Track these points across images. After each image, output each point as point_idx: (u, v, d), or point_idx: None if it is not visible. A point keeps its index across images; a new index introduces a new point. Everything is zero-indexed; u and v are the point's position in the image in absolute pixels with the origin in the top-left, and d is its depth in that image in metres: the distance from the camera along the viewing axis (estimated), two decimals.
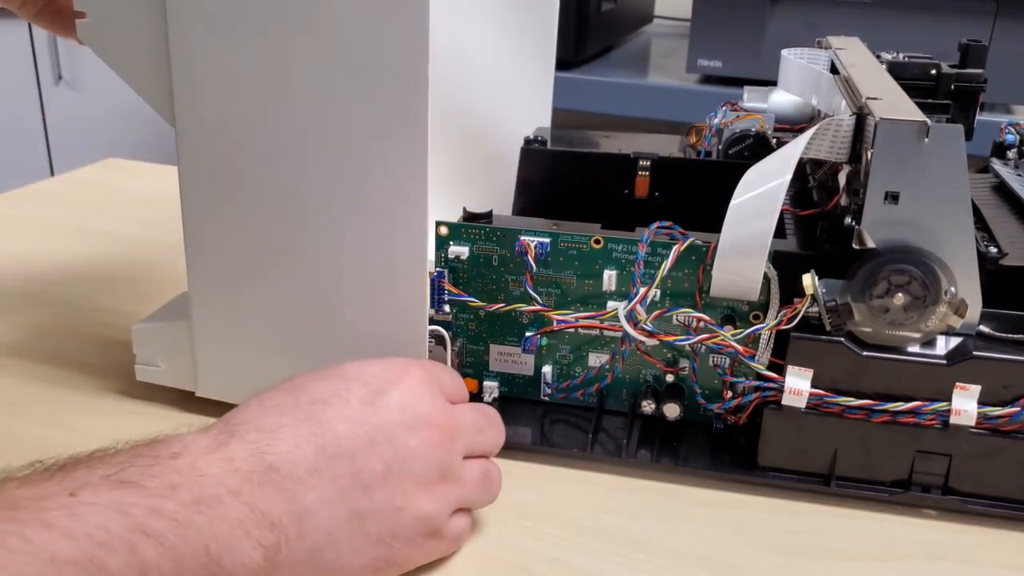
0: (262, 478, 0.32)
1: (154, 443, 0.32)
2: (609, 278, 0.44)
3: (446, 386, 0.39)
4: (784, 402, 0.41)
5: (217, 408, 0.48)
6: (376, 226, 0.41)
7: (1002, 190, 0.51)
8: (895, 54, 0.53)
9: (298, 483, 0.32)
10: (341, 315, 0.43)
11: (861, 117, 0.42)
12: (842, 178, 0.46)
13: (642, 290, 0.42)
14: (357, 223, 0.41)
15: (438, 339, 0.44)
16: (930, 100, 0.48)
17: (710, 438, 0.46)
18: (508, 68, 0.59)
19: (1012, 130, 0.55)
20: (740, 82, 0.66)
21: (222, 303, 0.45)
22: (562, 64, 0.88)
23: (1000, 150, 0.55)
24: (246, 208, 0.42)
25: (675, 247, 0.42)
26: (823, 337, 0.41)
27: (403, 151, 0.39)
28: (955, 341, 0.40)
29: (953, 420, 0.40)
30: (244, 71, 0.40)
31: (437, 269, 0.46)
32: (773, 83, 0.59)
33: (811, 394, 0.41)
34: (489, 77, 0.57)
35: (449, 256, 0.46)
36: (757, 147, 0.54)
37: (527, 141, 0.55)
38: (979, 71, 0.50)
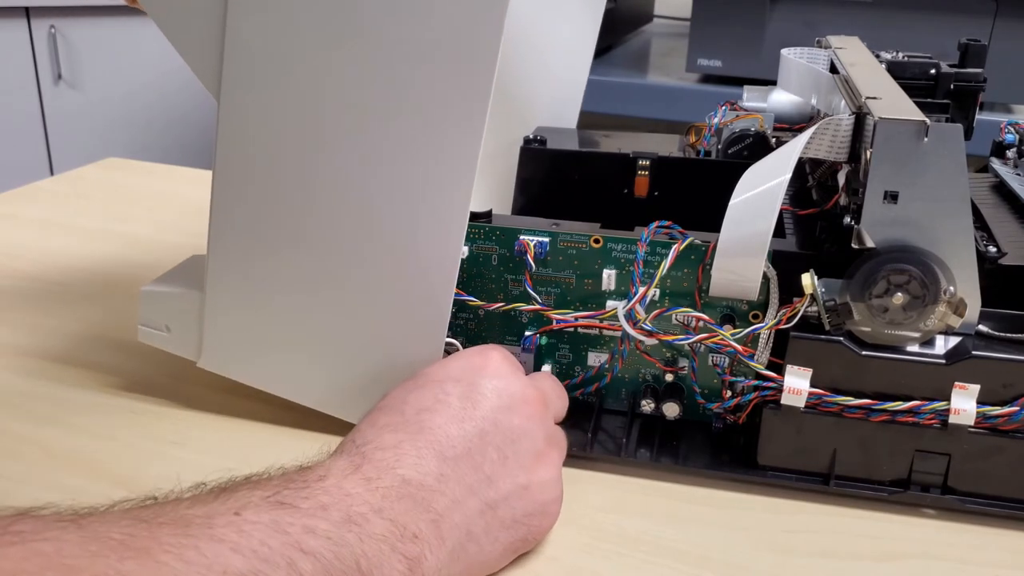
0: (399, 492, 0.33)
1: (301, 469, 0.34)
2: (608, 277, 0.44)
3: (515, 362, 0.41)
4: (783, 401, 0.41)
5: (215, 404, 0.48)
6: (414, 220, 0.41)
7: (1001, 190, 0.51)
8: (895, 54, 0.53)
9: (429, 491, 0.34)
10: (359, 306, 0.43)
11: (860, 116, 0.42)
12: (841, 177, 0.46)
13: (641, 289, 0.42)
14: (394, 216, 0.41)
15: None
16: (929, 100, 0.48)
17: (709, 437, 0.46)
18: (537, 66, 0.58)
19: (1012, 130, 0.55)
20: (740, 81, 0.66)
21: (241, 280, 0.45)
22: None
23: (1000, 150, 0.55)
24: (281, 190, 0.42)
25: (674, 246, 0.42)
26: (822, 337, 0.41)
27: (454, 152, 0.39)
28: (954, 340, 0.40)
29: (952, 419, 0.40)
30: (298, 51, 0.40)
31: None
32: (773, 83, 0.59)
33: (810, 393, 0.41)
34: (519, 74, 0.56)
35: None
36: (756, 147, 0.54)
37: (527, 140, 0.55)
38: (979, 71, 0.50)
